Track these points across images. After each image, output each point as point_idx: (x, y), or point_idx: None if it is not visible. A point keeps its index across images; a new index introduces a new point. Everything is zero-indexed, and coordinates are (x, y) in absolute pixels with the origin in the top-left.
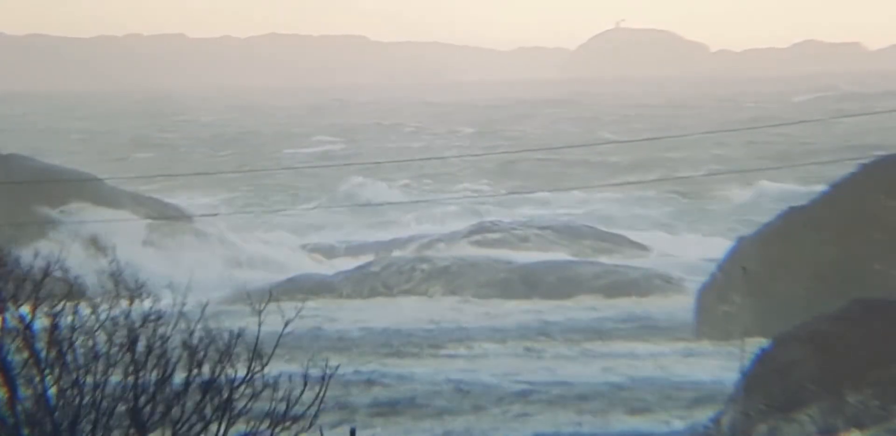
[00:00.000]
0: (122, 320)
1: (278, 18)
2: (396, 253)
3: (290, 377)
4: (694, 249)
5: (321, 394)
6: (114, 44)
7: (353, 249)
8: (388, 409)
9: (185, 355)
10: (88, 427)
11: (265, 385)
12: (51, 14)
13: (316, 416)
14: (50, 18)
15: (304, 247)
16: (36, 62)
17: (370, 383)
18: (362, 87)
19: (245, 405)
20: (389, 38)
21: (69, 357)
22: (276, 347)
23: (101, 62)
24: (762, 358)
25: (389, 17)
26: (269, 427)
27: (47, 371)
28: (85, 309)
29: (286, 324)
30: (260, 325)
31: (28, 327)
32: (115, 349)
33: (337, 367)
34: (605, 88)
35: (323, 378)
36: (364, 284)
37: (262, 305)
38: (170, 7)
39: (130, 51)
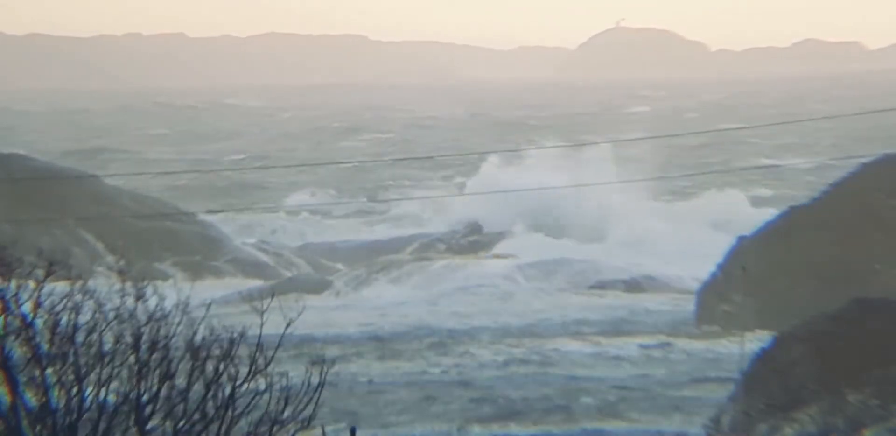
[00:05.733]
0: (126, 318)
1: (278, 18)
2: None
3: (288, 376)
4: (693, 248)
5: (319, 392)
6: (113, 43)
7: (354, 249)
8: None
9: (187, 354)
10: (90, 426)
11: (267, 384)
12: (51, 14)
13: (314, 413)
14: (50, 18)
15: (304, 247)
16: (36, 62)
17: None
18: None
19: (247, 404)
20: (389, 38)
21: (71, 355)
22: (278, 346)
23: (100, 61)
24: (762, 357)
25: (389, 17)
26: (269, 426)
27: (49, 369)
28: (88, 307)
29: (289, 324)
30: (262, 324)
31: (30, 324)
32: (118, 348)
33: (334, 364)
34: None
35: (320, 374)
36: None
37: (265, 304)
38: (170, 7)
39: (130, 50)
